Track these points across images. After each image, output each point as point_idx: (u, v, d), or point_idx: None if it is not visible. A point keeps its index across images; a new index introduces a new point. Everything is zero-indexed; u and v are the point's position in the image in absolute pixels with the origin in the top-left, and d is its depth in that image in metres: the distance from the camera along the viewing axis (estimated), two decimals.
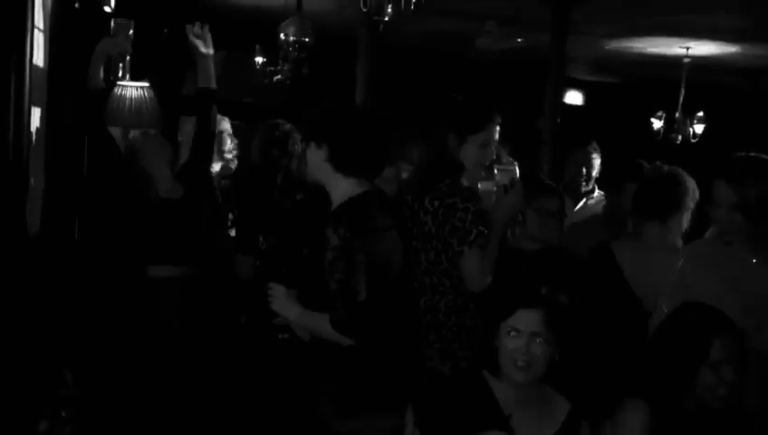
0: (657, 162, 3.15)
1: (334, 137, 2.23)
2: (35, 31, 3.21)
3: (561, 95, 8.93)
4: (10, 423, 1.60)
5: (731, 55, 7.34)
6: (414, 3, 3.13)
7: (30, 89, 2.99)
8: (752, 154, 2.32)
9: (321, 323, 2.17)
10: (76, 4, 4.51)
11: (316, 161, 2.26)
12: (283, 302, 2.27)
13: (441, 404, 1.85)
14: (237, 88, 7.50)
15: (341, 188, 2.25)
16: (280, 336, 2.49)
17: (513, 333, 1.86)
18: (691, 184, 2.77)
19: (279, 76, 6.08)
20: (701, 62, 7.40)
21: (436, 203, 2.60)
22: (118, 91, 4.49)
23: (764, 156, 2.33)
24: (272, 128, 3.64)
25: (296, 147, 3.53)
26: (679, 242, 2.76)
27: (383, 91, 6.19)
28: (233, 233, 3.65)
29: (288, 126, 3.67)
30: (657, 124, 7.72)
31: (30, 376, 2.21)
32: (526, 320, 1.83)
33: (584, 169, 3.94)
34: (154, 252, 3.08)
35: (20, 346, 2.35)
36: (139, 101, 4.39)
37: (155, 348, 2.95)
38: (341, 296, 2.12)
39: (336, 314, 2.14)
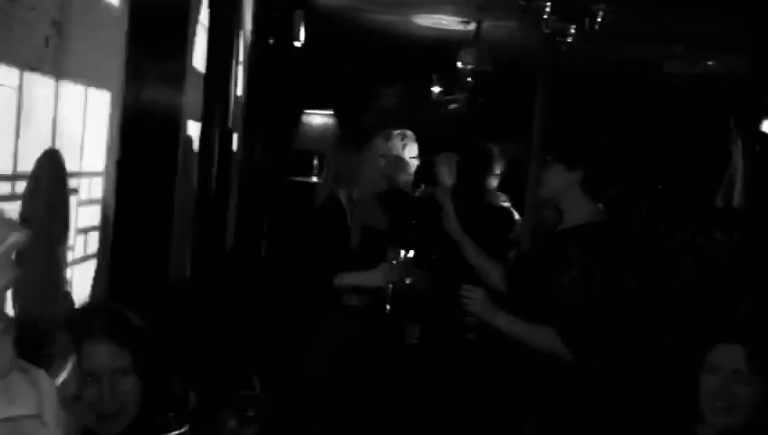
0: None
1: (592, 162, 2.32)
2: (235, 63, 3.51)
3: (761, 122, 8.27)
4: (204, 417, 1.71)
5: None
6: (598, 22, 3.06)
7: (232, 116, 3.27)
8: None
9: (543, 334, 2.22)
10: (270, 40, 4.89)
11: (562, 182, 2.34)
12: (484, 305, 2.33)
13: None
14: (413, 119, 7.71)
15: (584, 210, 2.33)
16: (469, 336, 2.52)
17: (713, 369, 1.70)
18: None
19: (455, 105, 6.16)
20: None
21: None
22: (305, 118, 4.77)
23: None
24: (475, 151, 3.79)
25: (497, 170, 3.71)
26: None
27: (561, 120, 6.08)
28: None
29: (491, 148, 3.82)
30: None
31: (223, 375, 2.38)
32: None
33: None
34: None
35: (217, 346, 2.55)
36: (324, 128, 4.64)
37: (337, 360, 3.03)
38: (582, 311, 2.17)
39: (570, 328, 2.18)
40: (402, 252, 2.87)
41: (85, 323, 1.52)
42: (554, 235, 2.41)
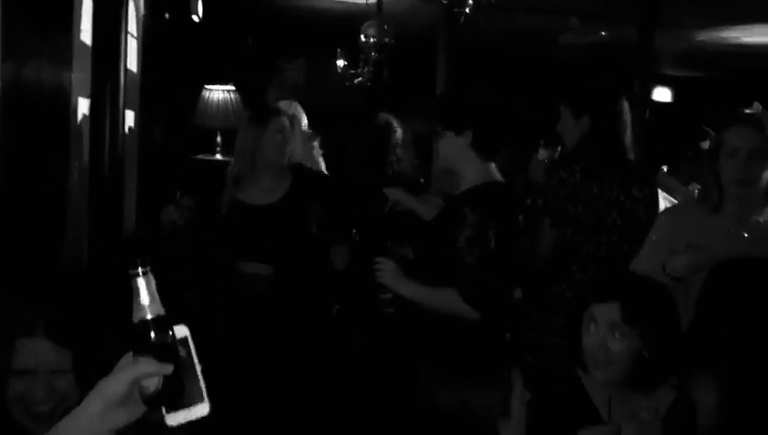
0: None
1: (479, 123, 2.35)
2: (129, 37, 3.36)
3: (649, 91, 8.67)
4: None
5: None
6: None
7: (124, 92, 3.12)
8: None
9: (446, 297, 2.27)
10: (166, 15, 4.72)
11: (454, 148, 2.37)
12: (394, 276, 2.36)
13: (540, 400, 1.77)
14: (319, 94, 7.65)
15: (478, 172, 2.38)
16: (386, 311, 2.55)
17: (591, 327, 1.76)
18: None
19: (360, 79, 6.13)
20: None
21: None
22: (206, 94, 4.64)
23: None
24: (375, 123, 3.77)
25: (398, 140, 3.75)
26: None
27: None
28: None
29: (390, 119, 3.80)
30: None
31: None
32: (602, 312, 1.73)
33: None
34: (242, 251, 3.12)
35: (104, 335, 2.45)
36: (226, 104, 4.53)
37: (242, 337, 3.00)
38: (478, 272, 2.23)
39: (469, 289, 2.23)
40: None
41: (28, 318, 1.47)
42: (451, 198, 2.48)
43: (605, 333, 1.70)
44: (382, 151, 3.84)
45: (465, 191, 2.39)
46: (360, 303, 3.27)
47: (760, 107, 2.53)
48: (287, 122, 3.08)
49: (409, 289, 2.36)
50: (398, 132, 3.88)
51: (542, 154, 3.84)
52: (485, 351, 2.29)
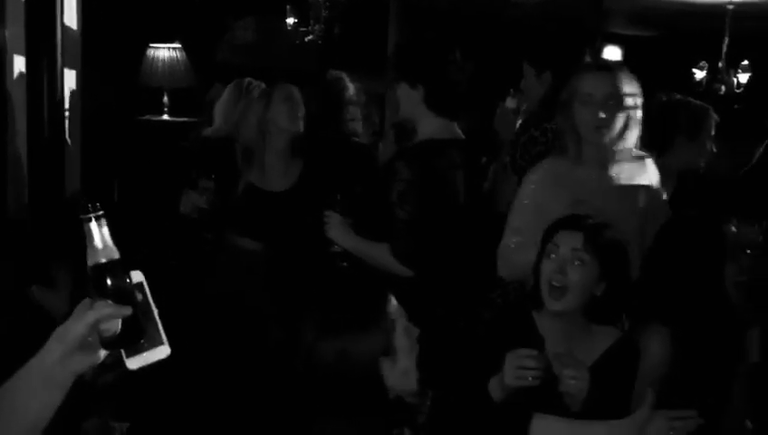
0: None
1: (433, 79, 2.29)
2: None
3: (600, 51, 8.73)
4: None
5: None
6: None
7: (63, 50, 3.01)
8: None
9: (379, 252, 2.25)
10: None
11: (408, 101, 2.33)
12: (338, 230, 2.35)
13: (487, 336, 1.82)
14: (269, 53, 7.50)
15: (430, 127, 2.33)
16: (340, 264, 2.52)
17: (552, 255, 1.81)
18: None
19: (311, 37, 6.03)
20: (746, 9, 7.13)
21: None
22: (151, 52, 4.51)
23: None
24: (326, 80, 3.66)
25: (351, 97, 3.61)
26: None
27: None
28: None
29: (341, 75, 3.70)
30: (699, 75, 7.48)
31: None
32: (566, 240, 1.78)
33: None
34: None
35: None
36: (172, 62, 4.40)
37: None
38: (408, 227, 2.19)
39: (400, 245, 2.20)
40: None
41: None
42: (395, 153, 2.45)
43: (566, 257, 1.78)
44: (335, 109, 3.76)
45: (409, 146, 2.36)
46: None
47: (707, 65, 2.57)
48: (295, 90, 2.97)
49: (350, 243, 2.35)
50: (351, 89, 3.80)
51: (510, 103, 3.75)
52: (372, 302, 2.19)
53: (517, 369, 1.63)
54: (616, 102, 2.10)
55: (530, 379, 1.62)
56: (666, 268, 1.98)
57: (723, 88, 7.24)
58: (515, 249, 2.14)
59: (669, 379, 1.83)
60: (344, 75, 3.70)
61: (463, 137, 2.40)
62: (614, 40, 9.99)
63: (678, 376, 1.82)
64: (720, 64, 7.25)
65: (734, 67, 7.37)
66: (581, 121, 2.13)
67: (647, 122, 2.21)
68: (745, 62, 7.42)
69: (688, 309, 1.89)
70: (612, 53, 10.41)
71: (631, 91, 2.14)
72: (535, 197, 2.18)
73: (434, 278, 2.26)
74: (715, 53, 7.34)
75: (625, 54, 10.49)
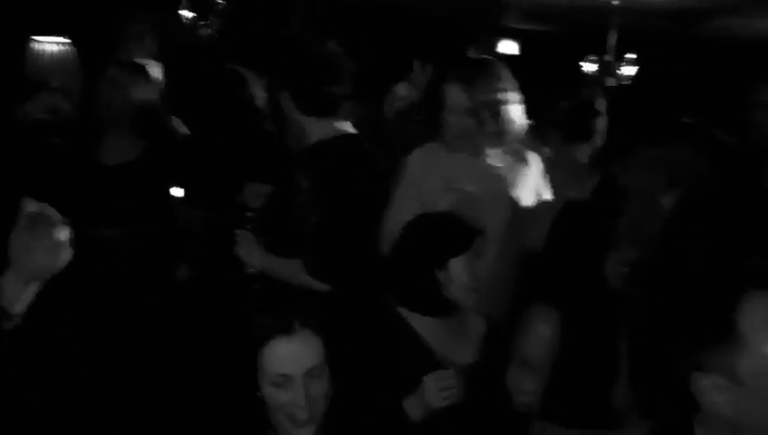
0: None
1: (293, 78, 2.16)
2: None
3: (496, 44, 8.94)
4: None
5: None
6: None
7: None
8: (483, 57, 2.33)
9: (292, 269, 2.09)
10: None
11: (286, 104, 2.20)
12: (248, 249, 2.18)
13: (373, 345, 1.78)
14: (165, 48, 7.28)
15: (314, 130, 2.18)
16: (253, 287, 2.32)
17: None
18: None
19: (208, 31, 5.90)
20: (631, 6, 7.47)
21: None
22: (36, 46, 4.29)
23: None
24: (226, 76, 3.53)
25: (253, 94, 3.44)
26: None
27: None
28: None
29: (242, 71, 3.57)
30: (588, 68, 7.81)
31: None
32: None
33: None
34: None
35: None
36: (60, 58, 4.21)
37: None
38: (317, 239, 2.05)
39: (311, 259, 2.05)
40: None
41: None
42: (291, 163, 2.26)
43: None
44: (239, 107, 3.62)
45: (301, 153, 2.21)
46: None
47: (597, 59, 2.66)
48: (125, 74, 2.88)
49: (260, 261, 2.17)
50: (254, 86, 3.69)
51: (402, 89, 3.74)
52: None
53: (441, 390, 1.63)
54: (485, 106, 2.11)
55: (455, 397, 1.63)
56: (554, 252, 2.05)
57: (612, 81, 7.58)
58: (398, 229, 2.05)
59: (560, 358, 1.90)
60: (246, 71, 3.57)
61: (352, 131, 2.27)
62: (510, 35, 10.26)
63: (567, 356, 1.88)
64: (608, 58, 7.59)
65: (621, 61, 7.73)
66: (447, 124, 2.14)
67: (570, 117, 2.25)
68: (632, 56, 7.79)
69: (572, 291, 1.96)
70: (508, 47, 10.69)
71: (506, 88, 2.14)
72: (412, 182, 2.16)
73: (353, 287, 2.09)
74: (605, 49, 7.68)
75: (521, 49, 10.80)
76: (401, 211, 2.11)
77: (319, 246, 2.07)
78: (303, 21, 5.33)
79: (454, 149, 2.16)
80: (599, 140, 2.77)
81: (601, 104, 2.78)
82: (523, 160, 2.26)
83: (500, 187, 2.18)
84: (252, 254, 2.18)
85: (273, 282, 2.20)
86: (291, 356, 1.42)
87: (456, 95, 2.13)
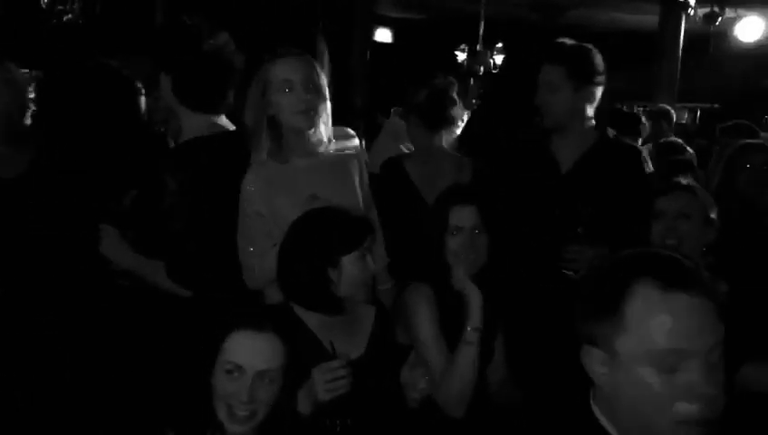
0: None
1: (177, 66, 1.96)
2: None
3: (371, 33, 9.03)
4: None
5: None
6: None
7: None
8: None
9: (156, 270, 1.96)
10: None
11: (166, 92, 2.00)
12: (113, 245, 2.03)
13: None
14: (22, 34, 6.83)
15: (190, 124, 2.00)
16: (119, 282, 2.15)
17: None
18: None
19: (69, 16, 5.59)
20: None
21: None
22: None
23: None
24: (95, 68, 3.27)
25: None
26: None
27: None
28: None
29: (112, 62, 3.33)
30: (461, 57, 8.06)
31: None
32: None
33: None
34: None
35: None
36: None
37: None
38: (182, 242, 1.92)
39: (174, 262, 1.93)
40: None
41: None
42: (166, 157, 2.07)
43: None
44: (118, 99, 3.32)
45: (173, 150, 2.07)
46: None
47: (467, 48, 2.71)
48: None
49: (123, 259, 2.01)
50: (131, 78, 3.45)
51: None
52: None
53: (329, 383, 1.61)
54: (314, 86, 1.92)
55: (343, 389, 1.60)
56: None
57: (481, 69, 7.87)
58: (255, 255, 1.95)
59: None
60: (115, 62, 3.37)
61: (231, 128, 2.08)
62: (384, 22, 10.38)
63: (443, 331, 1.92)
64: (478, 47, 7.86)
65: (490, 50, 8.02)
66: (283, 109, 1.91)
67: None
68: (500, 45, 8.10)
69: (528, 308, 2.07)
70: (383, 35, 10.83)
71: (323, 81, 1.98)
72: (253, 204, 1.95)
73: (215, 295, 1.96)
74: (475, 37, 7.94)
75: (395, 37, 10.96)
76: (254, 240, 1.96)
77: (179, 250, 1.94)
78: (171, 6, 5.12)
79: (282, 158, 1.95)
80: (456, 129, 2.82)
81: (454, 91, 2.79)
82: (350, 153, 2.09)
83: (345, 182, 2.03)
84: (114, 250, 2.03)
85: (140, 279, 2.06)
86: (251, 350, 1.44)
87: (291, 69, 1.94)
